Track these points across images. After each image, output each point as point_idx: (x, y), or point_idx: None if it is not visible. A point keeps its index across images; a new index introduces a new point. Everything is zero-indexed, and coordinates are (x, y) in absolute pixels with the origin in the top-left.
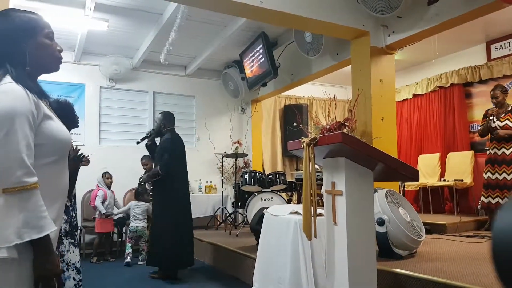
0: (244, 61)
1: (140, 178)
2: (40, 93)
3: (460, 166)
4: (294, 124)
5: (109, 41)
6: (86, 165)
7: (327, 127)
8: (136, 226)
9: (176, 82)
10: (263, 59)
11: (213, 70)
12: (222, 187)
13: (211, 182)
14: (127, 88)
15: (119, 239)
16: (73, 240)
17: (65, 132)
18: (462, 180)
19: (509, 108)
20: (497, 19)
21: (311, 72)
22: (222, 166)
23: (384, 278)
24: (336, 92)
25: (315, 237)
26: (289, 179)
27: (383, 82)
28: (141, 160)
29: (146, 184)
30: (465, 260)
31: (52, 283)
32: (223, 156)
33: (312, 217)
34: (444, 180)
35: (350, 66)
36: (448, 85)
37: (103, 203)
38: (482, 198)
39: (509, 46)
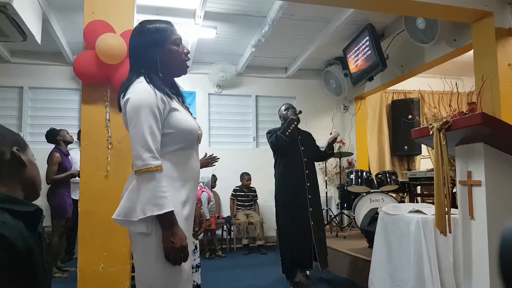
0: (348, 56)
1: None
2: (173, 92)
3: None
4: (410, 116)
5: (216, 49)
6: (214, 165)
7: (449, 118)
8: None
9: (277, 85)
10: (369, 52)
11: (313, 69)
12: (326, 188)
13: None
14: (233, 93)
15: (228, 236)
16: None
17: (192, 122)
18: None
19: None
20: None
21: (424, 62)
22: (325, 166)
23: None
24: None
25: (450, 232)
26: (400, 179)
27: None
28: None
29: None
30: None
31: (178, 255)
32: None
33: (447, 210)
34: None
35: (467, 54)
36: None
37: (208, 203)
38: None
39: None
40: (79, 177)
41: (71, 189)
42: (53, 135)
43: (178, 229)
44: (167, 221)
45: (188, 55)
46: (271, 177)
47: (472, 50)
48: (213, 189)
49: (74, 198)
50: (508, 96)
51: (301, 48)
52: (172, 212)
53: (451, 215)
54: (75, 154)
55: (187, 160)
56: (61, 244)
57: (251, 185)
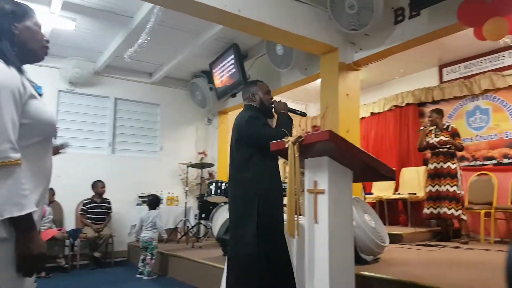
0: (214, 70)
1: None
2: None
3: (413, 181)
4: None
5: (73, 43)
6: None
7: (302, 134)
8: (143, 236)
9: (140, 89)
10: (234, 70)
11: (180, 79)
12: (186, 199)
13: (173, 193)
14: (88, 93)
15: (71, 252)
16: None
17: (51, 113)
18: (415, 194)
19: (444, 126)
20: (450, 45)
21: (280, 85)
22: (187, 176)
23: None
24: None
25: (298, 235)
26: None
27: (349, 96)
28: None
29: None
30: (425, 265)
31: (34, 264)
32: (188, 166)
33: (296, 216)
34: (399, 194)
35: (313, 83)
36: (404, 104)
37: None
38: (429, 209)
39: (459, 70)
40: None
41: None
42: None
43: (36, 234)
44: (26, 223)
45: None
46: (129, 187)
47: (319, 79)
48: (51, 203)
49: None
50: (345, 121)
51: (168, 56)
52: (31, 213)
53: (300, 221)
54: None
55: (42, 158)
56: None
57: (104, 196)
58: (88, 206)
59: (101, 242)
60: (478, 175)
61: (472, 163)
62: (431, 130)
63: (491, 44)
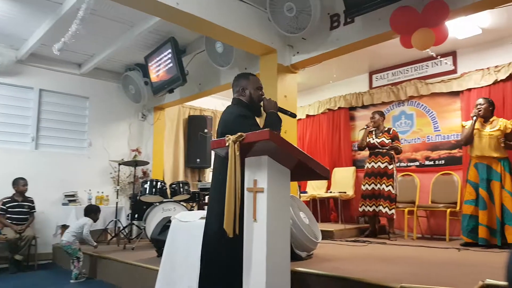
0: (150, 64)
1: None
2: None
3: (344, 180)
4: (206, 130)
5: None
6: None
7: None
8: (62, 240)
9: (68, 81)
10: (171, 64)
11: (112, 71)
12: (117, 198)
13: (102, 192)
14: (9, 82)
15: None
16: None
17: None
18: (345, 192)
19: (386, 129)
20: (380, 53)
21: (220, 84)
22: (118, 175)
23: None
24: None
25: (237, 233)
26: (192, 189)
27: (287, 98)
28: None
29: None
30: (355, 260)
31: None
32: (119, 164)
33: (235, 213)
34: (331, 192)
35: None
36: (336, 108)
37: None
38: (362, 207)
39: (387, 77)
40: None
41: None
42: None
43: None
44: None
45: None
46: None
47: None
48: None
49: None
50: (283, 122)
51: (100, 47)
52: None
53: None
54: None
55: None
56: None
57: (27, 194)
58: (8, 205)
59: (23, 244)
60: (403, 175)
61: (397, 164)
62: (372, 131)
63: (416, 53)
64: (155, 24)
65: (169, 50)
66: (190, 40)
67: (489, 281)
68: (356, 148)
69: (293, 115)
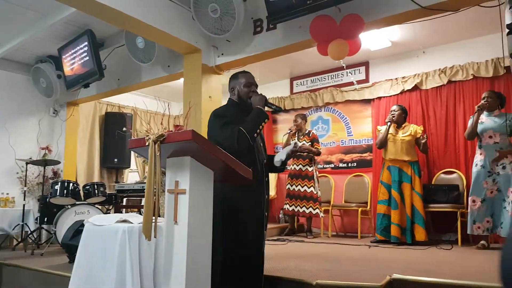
0: (64, 57)
1: None
2: None
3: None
4: (124, 129)
5: None
6: None
7: (164, 132)
8: None
9: None
10: (87, 58)
11: (20, 62)
12: (24, 200)
13: (7, 194)
14: None
15: None
16: None
17: None
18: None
19: (306, 132)
20: (300, 60)
21: (141, 80)
22: (26, 175)
23: None
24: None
25: (155, 237)
26: (108, 191)
27: (212, 98)
28: None
29: None
30: (276, 258)
31: None
32: (27, 163)
33: (154, 217)
34: None
35: (177, 81)
36: None
37: None
38: (286, 206)
39: (307, 84)
40: None
41: None
42: None
43: None
44: None
45: None
46: None
47: (183, 78)
48: None
49: None
50: (207, 122)
51: (7, 35)
52: None
53: (158, 223)
54: None
55: None
56: None
57: None
58: None
59: None
60: (319, 177)
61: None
62: (294, 133)
63: (333, 62)
64: (71, 15)
65: (86, 43)
66: (109, 34)
67: (396, 275)
68: (278, 151)
69: (278, 109)
